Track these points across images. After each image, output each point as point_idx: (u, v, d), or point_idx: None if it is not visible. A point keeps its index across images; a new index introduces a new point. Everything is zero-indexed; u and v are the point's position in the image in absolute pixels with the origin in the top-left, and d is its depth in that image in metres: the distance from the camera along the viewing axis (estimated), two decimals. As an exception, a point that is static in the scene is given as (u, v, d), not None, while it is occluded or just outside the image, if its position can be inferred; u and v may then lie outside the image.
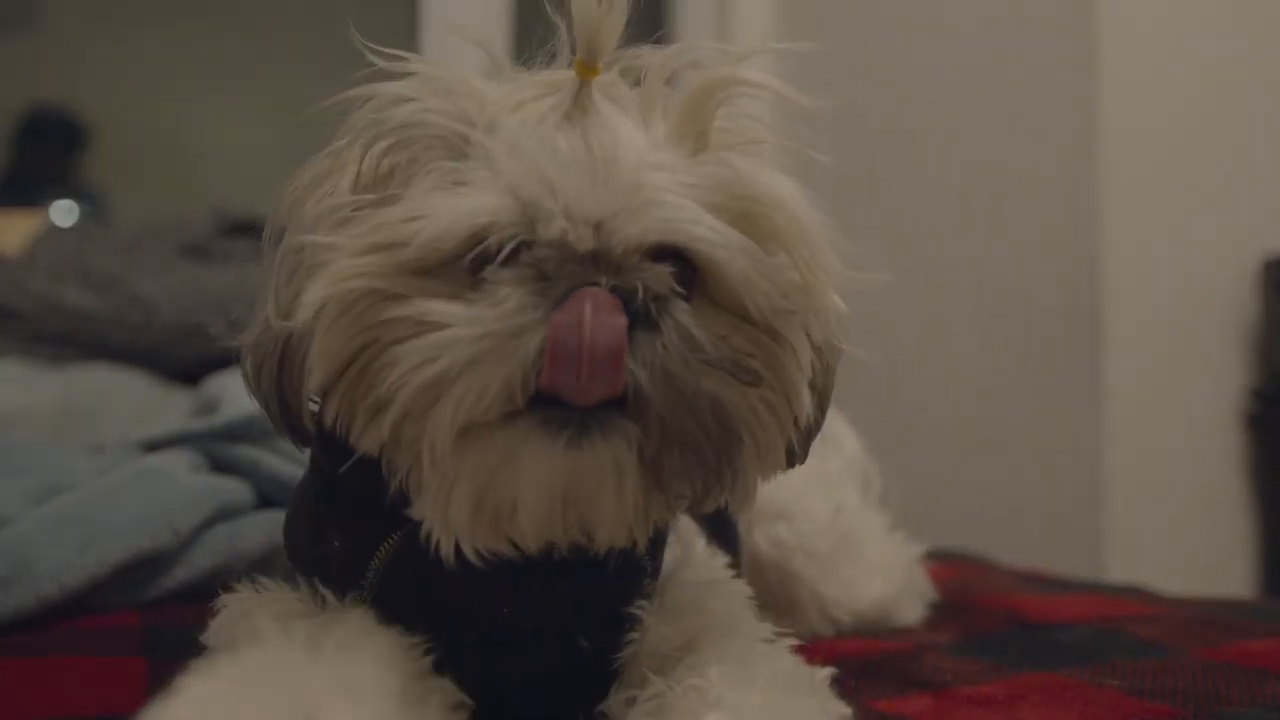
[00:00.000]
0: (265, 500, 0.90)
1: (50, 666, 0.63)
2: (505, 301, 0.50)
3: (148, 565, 0.79)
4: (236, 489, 0.88)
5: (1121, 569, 1.53)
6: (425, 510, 0.54)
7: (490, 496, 0.53)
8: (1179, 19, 1.72)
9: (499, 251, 0.51)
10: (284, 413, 0.60)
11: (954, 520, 1.59)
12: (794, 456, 0.60)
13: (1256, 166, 1.77)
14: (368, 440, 0.53)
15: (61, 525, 0.76)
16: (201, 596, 0.81)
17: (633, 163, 0.53)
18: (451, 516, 0.53)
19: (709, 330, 0.52)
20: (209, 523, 0.84)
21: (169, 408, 1.20)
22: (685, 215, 0.52)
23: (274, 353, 0.58)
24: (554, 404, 0.49)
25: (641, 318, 0.50)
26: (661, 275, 0.51)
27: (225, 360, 1.02)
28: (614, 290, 0.50)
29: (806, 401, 0.56)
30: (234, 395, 1.00)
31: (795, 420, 0.56)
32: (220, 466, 0.91)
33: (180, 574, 0.80)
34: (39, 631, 0.71)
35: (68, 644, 0.68)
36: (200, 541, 0.82)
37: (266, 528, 0.85)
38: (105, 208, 3.53)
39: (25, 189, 3.28)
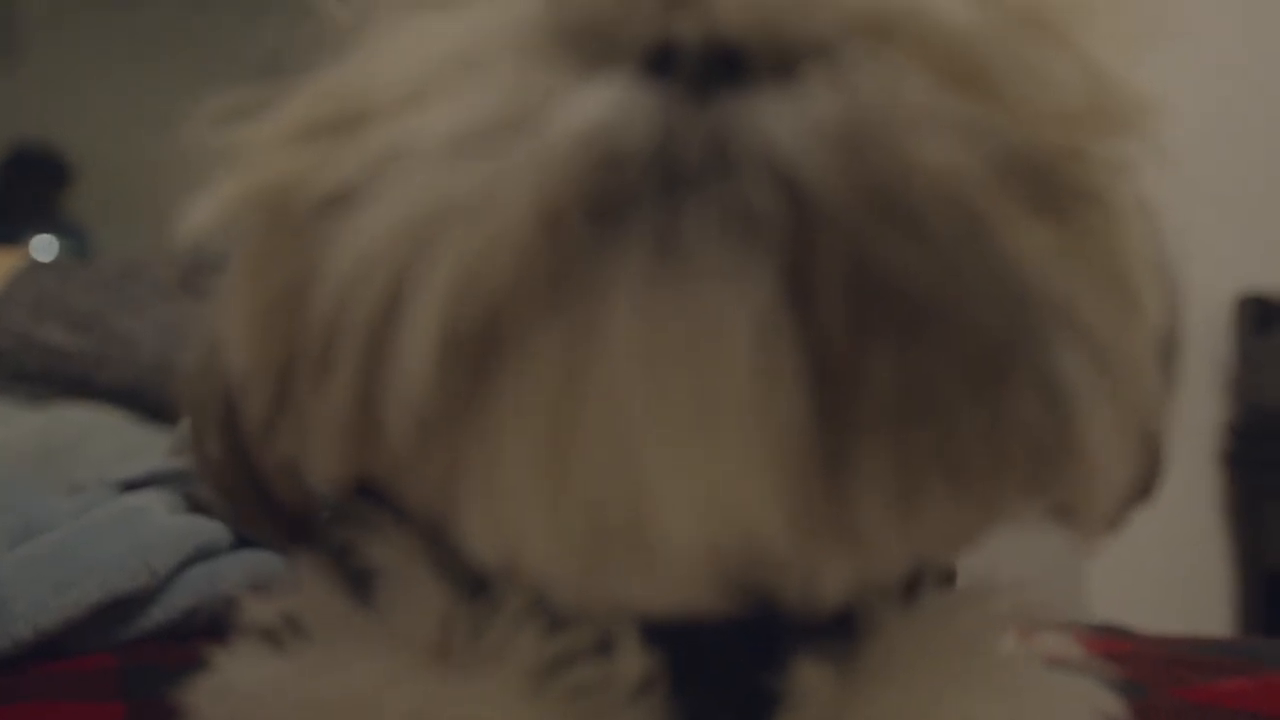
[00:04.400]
0: (243, 540, 0.90)
1: (27, 712, 0.63)
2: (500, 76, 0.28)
3: (125, 606, 0.78)
4: (214, 529, 0.87)
5: (1101, 607, 1.53)
6: (471, 531, 0.29)
7: (576, 429, 0.27)
8: (1149, 59, 1.74)
9: None
10: (251, 485, 0.40)
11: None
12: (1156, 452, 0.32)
13: (1230, 204, 1.80)
14: (325, 460, 0.31)
15: (38, 566, 0.76)
16: (178, 637, 0.80)
17: None
18: (514, 521, 0.28)
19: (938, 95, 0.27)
20: (187, 563, 0.83)
21: (149, 447, 1.19)
22: None
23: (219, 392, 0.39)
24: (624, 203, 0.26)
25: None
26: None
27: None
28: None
29: (1156, 312, 0.31)
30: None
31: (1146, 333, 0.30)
32: (197, 506, 0.91)
33: (157, 614, 0.80)
34: (13, 674, 0.70)
35: (43, 688, 0.67)
36: (178, 582, 0.82)
37: (244, 568, 0.85)
38: (88, 243, 3.53)
39: (7, 225, 3.28)
